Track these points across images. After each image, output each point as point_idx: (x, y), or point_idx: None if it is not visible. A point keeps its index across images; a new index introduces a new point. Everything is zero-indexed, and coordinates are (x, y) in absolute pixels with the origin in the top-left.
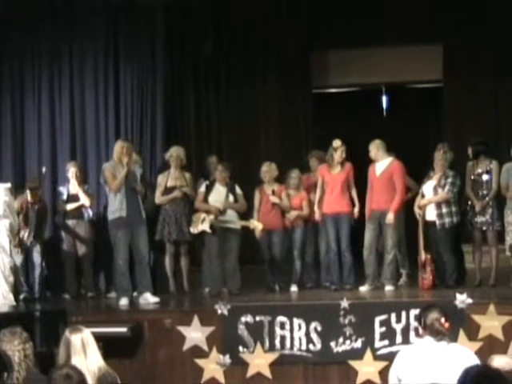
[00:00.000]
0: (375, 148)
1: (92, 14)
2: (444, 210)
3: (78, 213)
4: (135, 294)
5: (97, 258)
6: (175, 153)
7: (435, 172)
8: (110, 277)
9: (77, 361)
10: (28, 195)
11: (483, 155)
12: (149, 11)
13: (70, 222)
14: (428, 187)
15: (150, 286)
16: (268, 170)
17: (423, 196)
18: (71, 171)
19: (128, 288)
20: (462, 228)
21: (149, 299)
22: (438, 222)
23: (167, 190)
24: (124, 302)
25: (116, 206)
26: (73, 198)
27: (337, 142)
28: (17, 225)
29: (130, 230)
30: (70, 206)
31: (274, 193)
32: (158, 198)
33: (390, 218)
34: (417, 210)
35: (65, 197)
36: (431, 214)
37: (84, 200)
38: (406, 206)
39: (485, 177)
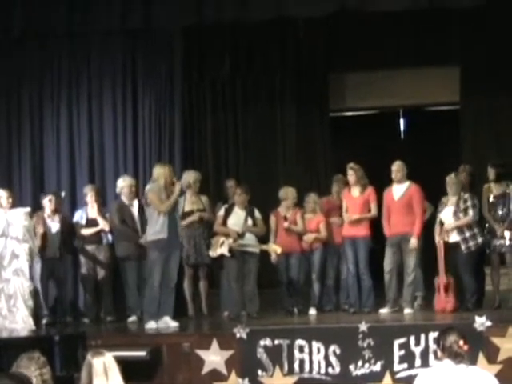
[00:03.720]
0: (402, 170)
1: (109, 37)
2: (467, 233)
3: (97, 237)
4: None
5: (115, 282)
6: (192, 178)
7: (449, 196)
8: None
9: None
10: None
11: (502, 178)
12: (166, 34)
13: (90, 247)
14: (446, 214)
15: (172, 310)
16: (295, 195)
17: (442, 224)
18: (89, 195)
19: (157, 312)
20: (483, 250)
21: (168, 323)
22: (463, 247)
23: (185, 215)
24: (152, 325)
25: (158, 228)
26: (92, 222)
27: (349, 165)
28: (36, 248)
29: (167, 253)
30: (89, 231)
31: (286, 219)
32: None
33: (414, 242)
34: (437, 238)
35: (83, 221)
36: (454, 237)
37: (103, 225)
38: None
39: (502, 199)
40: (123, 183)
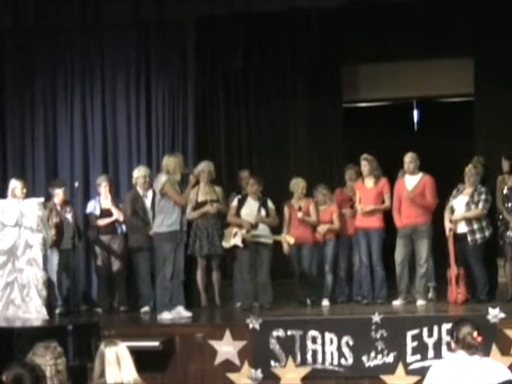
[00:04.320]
0: (415, 161)
1: (123, 28)
2: (475, 225)
3: (112, 228)
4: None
5: (129, 273)
6: (205, 168)
7: (466, 187)
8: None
9: (111, 374)
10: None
11: None
12: (179, 26)
13: (104, 238)
14: (459, 202)
15: (183, 300)
16: (305, 185)
17: (453, 210)
18: (103, 185)
19: (170, 302)
20: (496, 241)
21: (182, 313)
22: (469, 238)
23: (198, 205)
24: (166, 315)
25: (174, 220)
26: (105, 212)
27: (362, 156)
28: (50, 238)
29: (177, 244)
30: (103, 222)
31: (300, 209)
32: (189, 213)
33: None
34: (447, 225)
35: (97, 212)
36: (462, 228)
37: (118, 215)
38: (433, 220)
39: None
40: (138, 173)
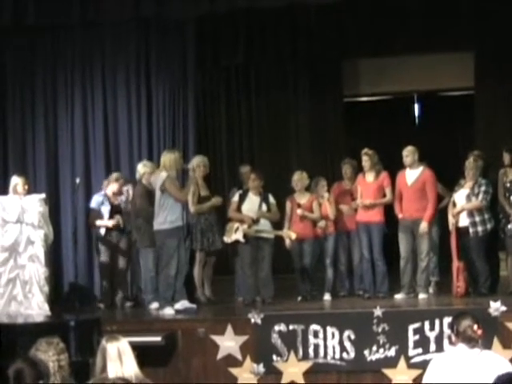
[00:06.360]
0: (412, 154)
1: (123, 25)
2: (477, 218)
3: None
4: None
5: (133, 268)
6: (201, 162)
7: (466, 180)
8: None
9: (112, 369)
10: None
11: None
12: (180, 22)
13: (113, 234)
14: (460, 196)
15: (186, 295)
16: (300, 178)
17: (455, 205)
18: (111, 188)
19: (172, 298)
20: (497, 235)
21: (186, 305)
22: (471, 231)
23: (201, 199)
24: (169, 311)
25: (177, 215)
26: (116, 208)
27: (363, 151)
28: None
29: (180, 239)
30: (111, 222)
31: (299, 206)
32: (193, 206)
33: (424, 227)
34: (451, 220)
35: (108, 207)
36: (464, 221)
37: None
38: (439, 214)
39: None
40: (144, 169)
